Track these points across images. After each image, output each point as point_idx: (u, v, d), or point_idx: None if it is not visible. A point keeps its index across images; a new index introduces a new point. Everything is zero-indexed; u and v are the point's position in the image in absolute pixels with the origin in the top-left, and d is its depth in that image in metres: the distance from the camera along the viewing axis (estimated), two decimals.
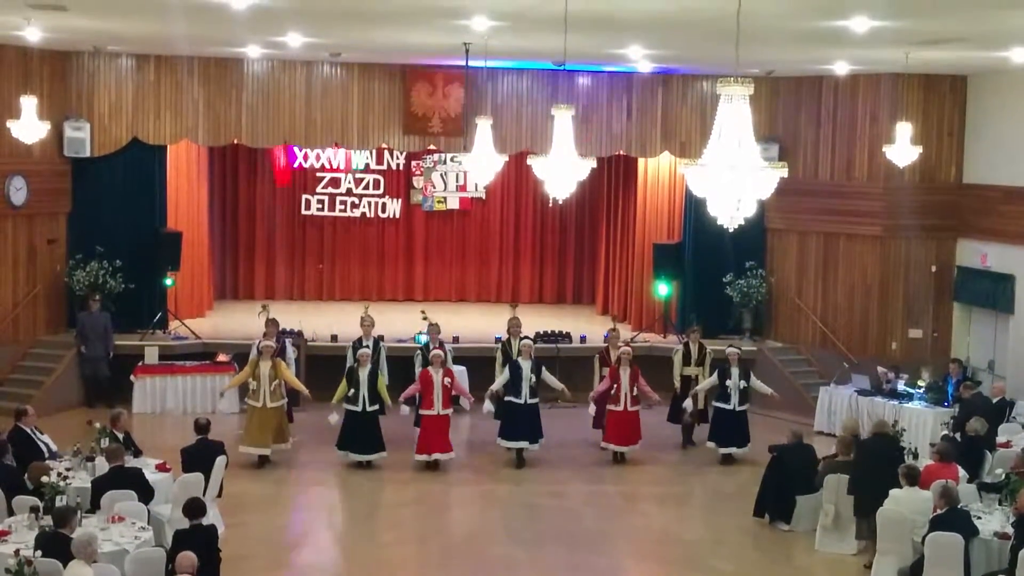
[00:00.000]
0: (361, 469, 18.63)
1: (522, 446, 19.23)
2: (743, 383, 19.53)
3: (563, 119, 14.81)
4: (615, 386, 19.35)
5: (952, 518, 12.78)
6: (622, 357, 19.54)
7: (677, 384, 20.65)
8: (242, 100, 23.52)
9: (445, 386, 18.73)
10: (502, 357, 20.33)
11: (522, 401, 19.14)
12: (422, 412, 18.78)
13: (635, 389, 19.43)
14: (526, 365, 19.21)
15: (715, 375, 19.79)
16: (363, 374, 18.68)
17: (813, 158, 23.85)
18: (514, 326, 20.62)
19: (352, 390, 18.66)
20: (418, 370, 19.66)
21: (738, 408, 19.47)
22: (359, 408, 18.60)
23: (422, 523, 16.50)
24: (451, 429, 19.12)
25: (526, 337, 20.32)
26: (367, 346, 19.83)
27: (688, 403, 20.13)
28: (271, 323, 20.31)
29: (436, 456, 18.68)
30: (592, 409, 19.90)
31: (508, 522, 16.63)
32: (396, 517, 16.69)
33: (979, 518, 13.40)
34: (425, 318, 21.14)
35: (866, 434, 16.03)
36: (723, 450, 19.54)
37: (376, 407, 18.73)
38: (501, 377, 19.50)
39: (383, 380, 19.02)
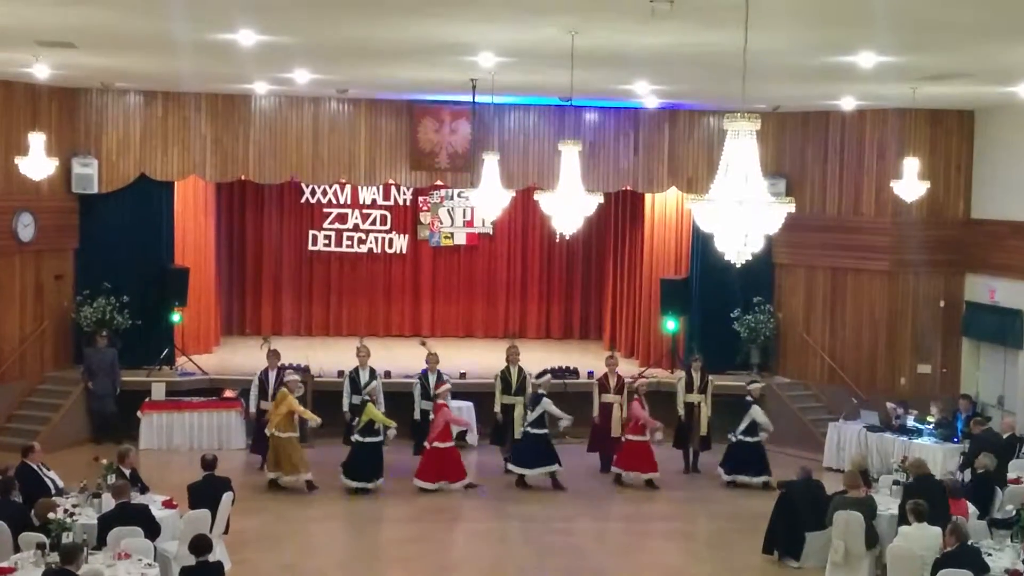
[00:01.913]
0: (366, 504, 18.59)
1: (554, 469, 19.80)
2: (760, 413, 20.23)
3: (570, 154, 14.84)
4: (648, 419, 19.98)
5: (962, 555, 12.69)
6: (640, 390, 20.17)
7: (681, 412, 21.08)
8: (249, 136, 23.59)
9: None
10: (501, 384, 20.65)
11: (539, 431, 19.74)
12: (437, 444, 19.21)
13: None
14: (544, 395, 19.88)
15: (751, 409, 20.20)
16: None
17: (820, 193, 23.85)
18: (512, 354, 20.79)
19: (367, 421, 19.05)
20: (417, 401, 20.37)
21: (753, 439, 20.09)
22: (381, 438, 19.10)
23: (428, 561, 16.38)
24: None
25: (546, 372, 21.06)
26: (373, 378, 20.23)
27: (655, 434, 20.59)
28: (272, 354, 20.46)
29: (453, 484, 19.31)
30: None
31: (515, 560, 16.54)
32: (401, 555, 16.58)
33: (989, 555, 13.29)
34: (423, 343, 21.29)
35: (904, 476, 15.97)
36: (756, 479, 20.11)
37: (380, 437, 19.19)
38: (539, 410, 19.75)
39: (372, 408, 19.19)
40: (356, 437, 19.16)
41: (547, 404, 19.74)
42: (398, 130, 24.00)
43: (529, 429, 19.82)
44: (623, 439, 20.14)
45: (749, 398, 20.32)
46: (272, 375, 20.62)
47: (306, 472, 19.11)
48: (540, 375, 20.78)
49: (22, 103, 21.66)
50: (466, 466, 19.88)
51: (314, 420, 19.45)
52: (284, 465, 19.03)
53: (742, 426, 20.06)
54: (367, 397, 19.29)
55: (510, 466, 20.00)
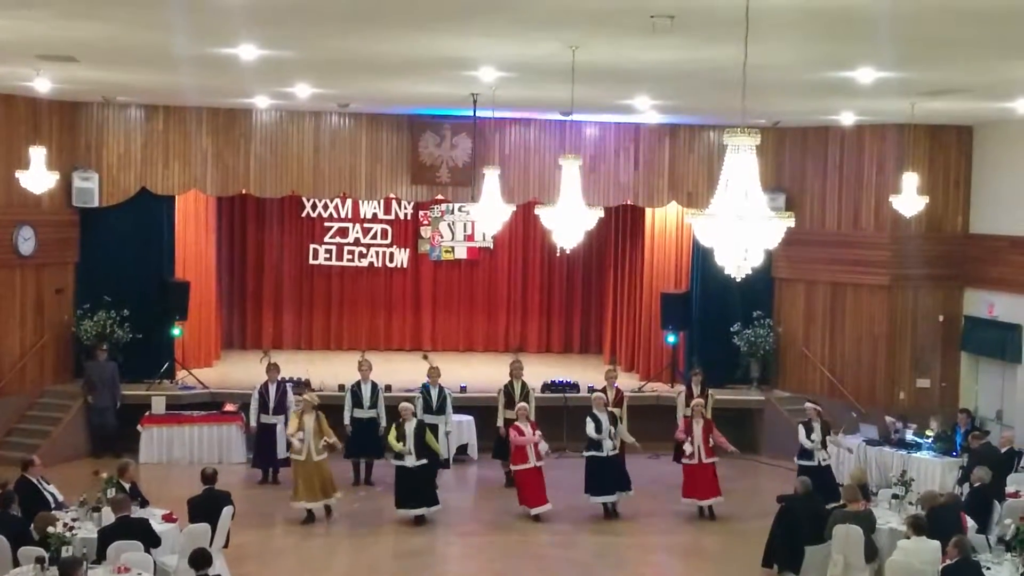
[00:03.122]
0: (367, 518, 18.55)
1: (613, 499, 19.05)
2: (827, 438, 19.01)
3: (570, 169, 14.88)
4: (688, 439, 19.10)
5: (963, 568, 12.70)
6: (695, 410, 19.44)
7: (681, 425, 20.76)
8: (250, 150, 23.62)
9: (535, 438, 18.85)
10: (504, 399, 20.57)
11: (605, 454, 18.85)
12: (516, 467, 18.85)
13: (711, 441, 19.11)
14: (604, 418, 18.99)
15: (801, 431, 19.14)
16: (409, 428, 18.27)
17: (820, 208, 23.91)
18: (516, 368, 20.77)
19: (401, 444, 18.26)
20: (419, 414, 19.84)
21: (823, 463, 18.85)
22: (408, 464, 18.24)
23: (429, 575, 16.41)
24: (461, 479, 19.19)
25: (595, 390, 20.51)
26: (376, 392, 20.24)
27: (687, 446, 19.88)
28: (272, 368, 20.47)
29: (541, 509, 18.67)
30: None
31: (516, 574, 16.55)
32: (401, 569, 16.57)
33: (988, 568, 13.33)
34: (425, 357, 21.31)
35: (916, 506, 15.81)
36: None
37: (424, 461, 18.25)
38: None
39: (430, 433, 18.54)
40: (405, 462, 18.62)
41: (588, 423, 19.01)
42: (399, 144, 24.04)
43: (583, 452, 19.17)
44: (682, 463, 19.40)
45: (807, 420, 19.22)
46: (272, 388, 20.64)
47: (315, 501, 18.47)
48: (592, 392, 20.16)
49: (23, 117, 21.70)
50: (466, 479, 19.83)
51: (294, 444, 18.47)
52: (295, 491, 18.59)
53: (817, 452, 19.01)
54: (399, 420, 18.44)
55: (591, 497, 19.19)
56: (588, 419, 19.10)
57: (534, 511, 18.67)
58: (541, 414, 20.72)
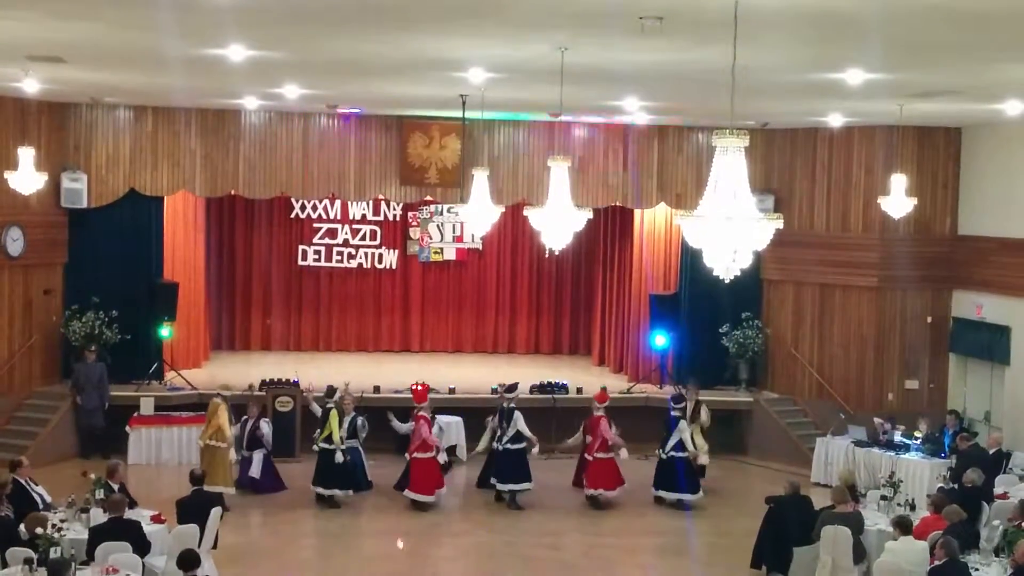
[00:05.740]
0: (355, 519, 18.55)
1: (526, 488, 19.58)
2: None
3: (559, 170, 14.89)
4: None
5: (951, 569, 12.72)
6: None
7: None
8: (239, 151, 23.56)
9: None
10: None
11: (501, 447, 19.57)
12: (418, 455, 19.18)
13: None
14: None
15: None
16: (346, 421, 19.47)
17: (808, 209, 23.92)
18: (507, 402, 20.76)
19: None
20: (397, 423, 20.03)
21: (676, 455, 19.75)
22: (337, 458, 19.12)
23: None
24: (449, 480, 19.52)
25: (515, 386, 20.83)
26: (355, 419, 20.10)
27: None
28: (254, 401, 20.59)
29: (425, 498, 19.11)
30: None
31: (503, 575, 16.55)
32: (389, 571, 16.58)
33: (976, 569, 13.34)
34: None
35: (905, 508, 15.87)
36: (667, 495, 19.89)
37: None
38: (514, 426, 19.61)
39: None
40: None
41: (519, 421, 19.60)
42: (388, 145, 24.01)
43: (509, 446, 19.51)
44: (590, 458, 19.81)
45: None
46: (249, 424, 20.25)
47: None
48: (510, 389, 20.44)
49: (11, 118, 21.64)
50: (455, 480, 19.82)
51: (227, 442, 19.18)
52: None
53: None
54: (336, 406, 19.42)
55: (494, 481, 19.70)
56: (518, 413, 19.72)
57: (418, 498, 18.99)
58: (529, 415, 20.65)
